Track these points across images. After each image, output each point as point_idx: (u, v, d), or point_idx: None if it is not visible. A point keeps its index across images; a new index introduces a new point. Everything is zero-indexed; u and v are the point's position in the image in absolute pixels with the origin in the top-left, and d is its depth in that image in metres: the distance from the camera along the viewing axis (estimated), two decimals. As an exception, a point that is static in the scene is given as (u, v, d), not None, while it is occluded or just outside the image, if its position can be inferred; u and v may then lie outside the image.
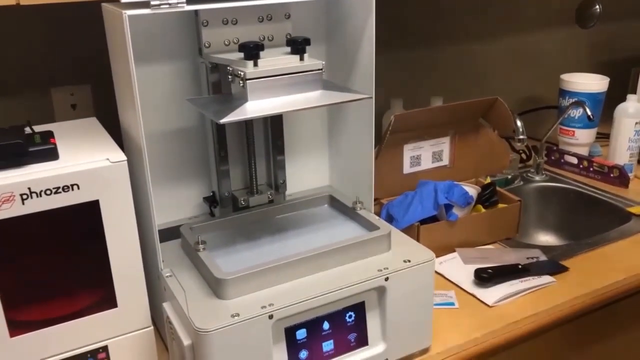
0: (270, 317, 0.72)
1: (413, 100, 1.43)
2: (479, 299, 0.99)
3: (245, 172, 0.96)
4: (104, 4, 0.80)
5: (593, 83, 1.48)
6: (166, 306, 0.79)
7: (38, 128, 0.84)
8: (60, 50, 1.04)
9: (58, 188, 0.70)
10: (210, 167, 0.94)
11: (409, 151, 1.23)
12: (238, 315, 0.70)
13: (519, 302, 0.98)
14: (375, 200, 1.09)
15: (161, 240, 0.82)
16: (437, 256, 1.07)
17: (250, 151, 0.94)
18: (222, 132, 0.90)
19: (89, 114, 1.09)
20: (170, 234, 0.90)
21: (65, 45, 1.04)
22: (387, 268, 0.80)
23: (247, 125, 0.92)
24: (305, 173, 1.05)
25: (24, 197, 0.68)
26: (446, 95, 1.43)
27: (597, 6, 1.43)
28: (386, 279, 0.79)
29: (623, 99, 1.44)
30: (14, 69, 1.02)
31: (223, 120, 0.71)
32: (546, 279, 1.04)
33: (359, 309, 0.80)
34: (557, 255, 1.11)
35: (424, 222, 1.10)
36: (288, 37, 0.87)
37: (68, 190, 0.71)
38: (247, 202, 0.94)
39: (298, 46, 0.78)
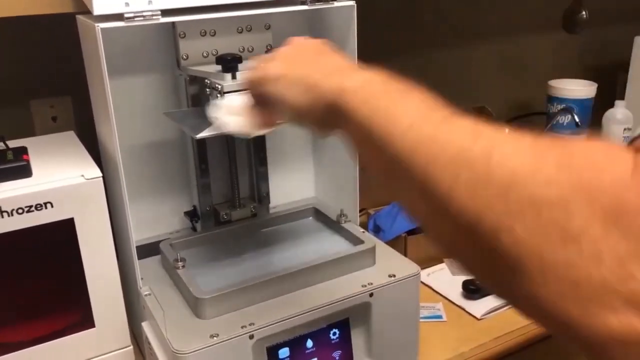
0: (251, 337, 0.70)
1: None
2: (467, 312, 0.98)
3: (227, 185, 0.94)
4: (78, 16, 0.78)
5: (581, 89, 1.47)
6: (145, 326, 0.77)
7: (13, 143, 0.81)
8: (40, 61, 1.02)
9: (30, 206, 0.68)
10: (191, 180, 0.92)
11: (395, 160, 1.21)
12: (217, 335, 0.68)
13: (508, 315, 0.97)
14: (362, 210, 1.07)
15: (141, 257, 0.80)
16: (425, 267, 1.05)
17: (232, 163, 0.92)
18: (202, 145, 0.88)
19: (69, 126, 1.06)
20: (150, 249, 0.87)
21: (44, 56, 1.02)
22: (372, 283, 0.78)
23: (228, 137, 0.90)
24: (290, 185, 1.03)
25: (-5, 216, 0.66)
26: (433, 103, 1.41)
27: (584, 12, 1.43)
28: (371, 295, 0.77)
29: (611, 105, 1.43)
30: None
31: (200, 136, 0.69)
32: None
33: (343, 325, 0.78)
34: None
35: (411, 232, 1.08)
36: (268, 48, 0.85)
37: (41, 209, 0.68)
38: (229, 216, 0.92)
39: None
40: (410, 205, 0.42)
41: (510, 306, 0.97)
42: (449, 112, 0.41)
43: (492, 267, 0.35)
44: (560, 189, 0.31)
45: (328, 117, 0.49)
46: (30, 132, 1.04)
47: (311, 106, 0.50)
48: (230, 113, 0.63)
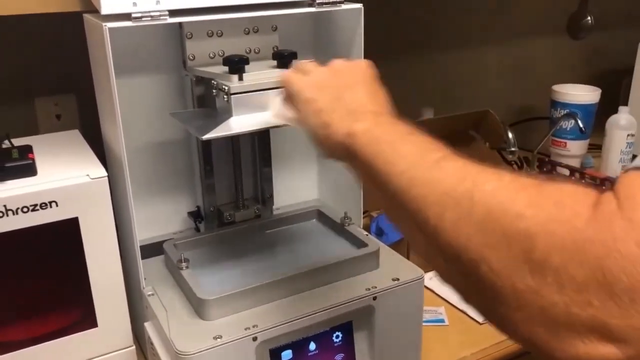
0: (255, 339, 0.69)
1: (403, 111, 1.41)
2: (469, 316, 0.97)
3: (231, 185, 0.94)
4: (85, 15, 0.78)
5: (585, 94, 1.47)
6: (148, 326, 0.77)
7: (18, 141, 0.81)
8: (44, 59, 1.02)
9: (35, 205, 0.68)
10: (195, 181, 0.92)
11: (399, 163, 1.21)
12: (221, 337, 0.68)
13: (510, 319, 0.96)
14: (365, 212, 1.07)
15: (144, 256, 0.80)
16: (427, 271, 1.05)
17: (236, 164, 0.92)
18: (207, 146, 0.88)
19: (73, 124, 1.06)
20: (153, 249, 0.87)
21: (49, 54, 1.02)
22: (375, 287, 0.78)
23: (233, 138, 0.90)
24: (294, 186, 1.03)
25: (0, 215, 0.66)
26: (437, 106, 1.41)
27: (589, 17, 1.43)
28: (374, 298, 0.77)
29: (615, 111, 1.43)
30: (-4, 79, 1.00)
31: (206, 137, 0.69)
32: None
33: (347, 328, 0.78)
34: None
35: (414, 236, 1.08)
36: (275, 49, 0.85)
37: (46, 208, 0.68)
38: (232, 217, 0.92)
39: (285, 60, 0.76)
40: (408, 234, 0.50)
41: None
42: (443, 155, 0.46)
43: (476, 292, 0.39)
44: (527, 223, 0.35)
45: (338, 151, 0.56)
46: (34, 130, 1.04)
47: (325, 138, 0.57)
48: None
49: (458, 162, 0.44)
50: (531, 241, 0.35)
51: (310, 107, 0.59)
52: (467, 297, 0.42)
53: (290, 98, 0.63)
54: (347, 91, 0.59)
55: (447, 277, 0.44)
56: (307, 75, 0.62)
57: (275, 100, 0.69)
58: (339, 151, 0.55)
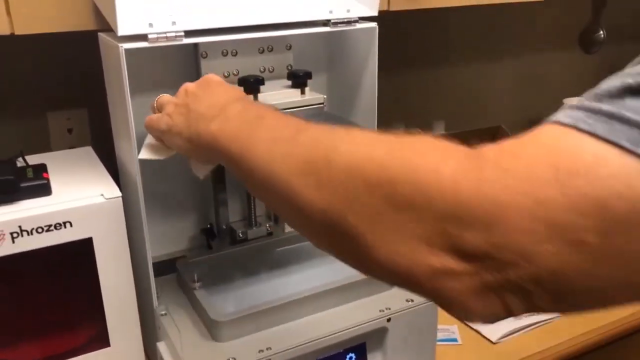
0: (268, 361, 0.69)
1: (415, 125, 1.41)
2: (482, 335, 0.97)
3: (244, 203, 0.94)
4: (100, 34, 0.78)
5: (597, 108, 1.46)
6: (160, 346, 0.76)
7: (31, 159, 0.81)
8: (57, 74, 1.02)
9: (50, 226, 0.68)
10: (208, 198, 0.92)
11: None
12: (235, 359, 0.68)
13: (524, 339, 0.96)
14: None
15: (156, 274, 0.80)
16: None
17: (249, 182, 0.91)
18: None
19: (85, 138, 1.07)
20: (165, 266, 0.87)
21: (62, 69, 1.02)
22: (389, 308, 0.77)
23: (247, 156, 0.90)
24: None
25: (15, 235, 0.66)
26: (448, 119, 1.41)
27: (601, 32, 1.42)
28: (388, 320, 0.77)
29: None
30: (10, 93, 1.00)
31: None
32: (552, 313, 1.01)
33: (360, 350, 0.77)
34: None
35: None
36: (289, 68, 0.85)
37: (60, 228, 0.68)
38: (245, 235, 0.92)
39: (299, 80, 0.76)
40: (279, 211, 0.54)
41: (525, 330, 0.96)
42: (296, 129, 0.48)
43: (339, 241, 0.41)
44: (389, 170, 0.38)
45: (209, 155, 0.59)
46: (46, 143, 1.05)
47: (195, 150, 0.61)
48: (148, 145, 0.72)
49: (311, 132, 0.46)
50: (393, 187, 0.37)
51: (171, 134, 0.63)
52: (339, 253, 0.44)
53: (159, 138, 0.68)
54: (193, 102, 0.62)
55: (318, 241, 0.45)
56: (163, 109, 0.66)
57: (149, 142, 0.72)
58: (211, 155, 0.58)
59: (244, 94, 0.66)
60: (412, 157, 0.38)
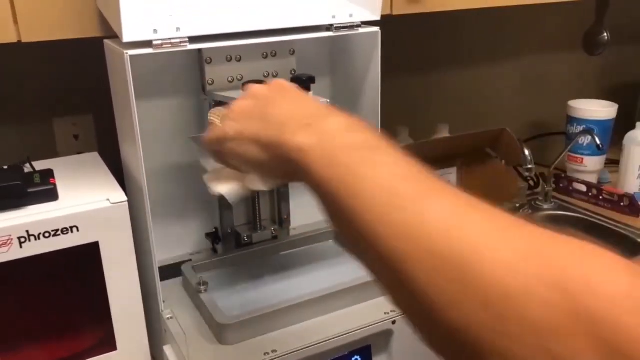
0: (274, 364, 0.70)
1: (419, 128, 1.41)
2: (487, 337, 0.96)
3: (249, 206, 0.95)
4: (106, 41, 0.79)
5: (601, 110, 1.46)
6: (167, 349, 0.77)
7: (38, 165, 0.82)
8: (63, 81, 1.03)
9: (57, 230, 0.68)
10: (213, 202, 0.93)
11: (415, 182, 1.21)
12: (240, 362, 0.68)
13: (529, 341, 0.96)
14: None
15: (162, 278, 0.80)
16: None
17: (253, 186, 0.92)
18: (225, 168, 0.88)
19: (91, 144, 1.08)
20: (171, 270, 0.88)
21: (67, 75, 1.03)
22: (394, 310, 0.78)
23: (251, 160, 0.90)
24: (311, 206, 1.02)
25: (22, 240, 0.67)
26: (452, 122, 1.41)
27: (605, 33, 1.42)
28: (393, 322, 0.77)
29: (632, 127, 1.42)
30: (16, 100, 1.01)
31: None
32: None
33: (365, 352, 0.78)
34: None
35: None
36: (292, 72, 0.86)
37: (67, 233, 0.69)
38: (250, 239, 0.92)
39: (303, 85, 0.76)
40: (375, 273, 0.41)
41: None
42: (420, 188, 0.38)
43: (456, 352, 0.34)
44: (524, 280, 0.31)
45: (290, 171, 0.47)
46: (52, 149, 1.06)
47: (271, 162, 0.49)
48: (218, 180, 0.62)
49: (443, 201, 0.36)
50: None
51: (244, 139, 0.51)
52: (442, 352, 0.36)
53: (223, 149, 0.54)
54: (267, 106, 0.51)
55: (429, 343, 0.37)
56: (227, 119, 0.55)
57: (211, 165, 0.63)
58: (292, 172, 0.46)
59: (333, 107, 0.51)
60: (589, 275, 0.32)
